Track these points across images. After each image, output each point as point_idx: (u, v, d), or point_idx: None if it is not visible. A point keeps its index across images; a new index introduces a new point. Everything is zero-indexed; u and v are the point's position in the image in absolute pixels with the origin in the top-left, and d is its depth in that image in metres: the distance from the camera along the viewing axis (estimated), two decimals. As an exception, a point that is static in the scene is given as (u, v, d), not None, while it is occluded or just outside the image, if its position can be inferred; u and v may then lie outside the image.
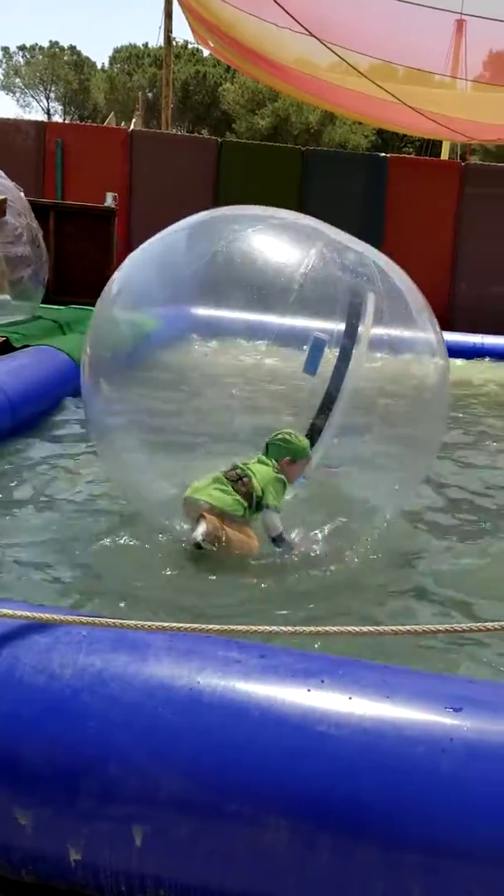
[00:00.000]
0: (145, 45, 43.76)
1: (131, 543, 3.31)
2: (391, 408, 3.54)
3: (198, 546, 3.07)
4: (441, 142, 18.42)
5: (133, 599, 2.85)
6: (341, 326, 3.47)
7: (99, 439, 3.61)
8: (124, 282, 3.50)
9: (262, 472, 3.31)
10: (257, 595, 2.98)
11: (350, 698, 1.64)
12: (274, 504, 3.28)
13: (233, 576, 3.09)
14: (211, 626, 1.48)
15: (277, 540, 3.27)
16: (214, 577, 3.06)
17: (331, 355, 3.48)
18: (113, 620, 1.61)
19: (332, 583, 3.13)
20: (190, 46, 37.56)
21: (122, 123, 22.72)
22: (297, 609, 2.86)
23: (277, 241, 3.36)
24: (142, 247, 3.54)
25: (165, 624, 1.52)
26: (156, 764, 1.55)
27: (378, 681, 1.71)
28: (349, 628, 1.51)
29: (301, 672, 1.70)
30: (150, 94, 36.27)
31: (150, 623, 1.56)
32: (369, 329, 3.33)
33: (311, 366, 3.37)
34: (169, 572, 3.09)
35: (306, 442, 3.48)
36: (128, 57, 44.46)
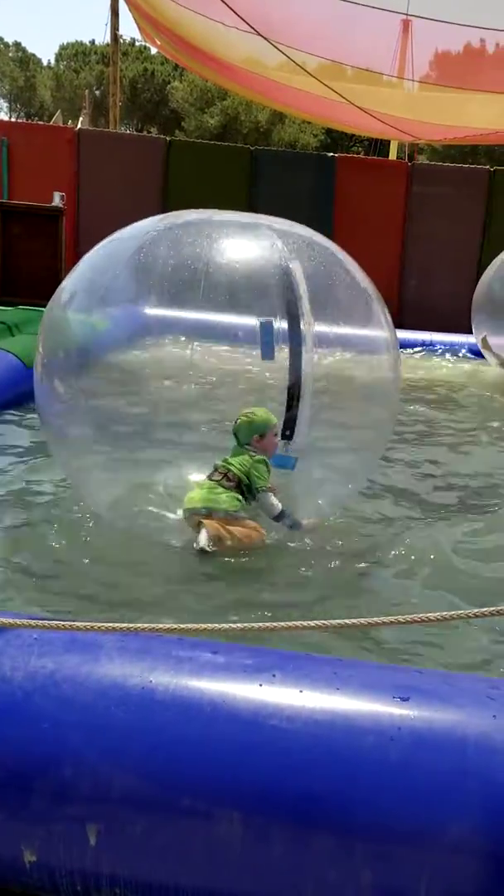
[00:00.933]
0: (92, 43, 43.36)
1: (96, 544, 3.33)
2: (342, 397, 3.65)
3: (203, 551, 3.17)
4: (389, 141, 18.63)
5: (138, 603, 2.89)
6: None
7: (52, 440, 3.61)
8: (77, 283, 3.51)
9: (239, 461, 3.42)
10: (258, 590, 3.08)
11: (301, 692, 1.67)
12: (262, 485, 3.38)
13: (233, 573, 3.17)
14: (161, 626, 1.50)
15: (280, 518, 3.37)
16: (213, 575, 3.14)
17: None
18: (64, 623, 1.61)
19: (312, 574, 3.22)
20: (137, 44, 37.37)
21: (70, 122, 22.47)
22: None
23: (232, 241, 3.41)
24: (95, 248, 3.53)
25: (117, 625, 1.53)
26: (109, 763, 1.56)
27: (328, 674, 1.75)
28: (297, 623, 1.54)
29: (253, 668, 1.73)
30: (97, 92, 35.93)
31: (101, 624, 1.57)
32: (306, 299, 3.36)
33: (267, 351, 3.40)
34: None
35: (266, 413, 3.54)
36: (74, 54, 43.98)
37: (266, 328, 3.36)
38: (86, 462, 3.54)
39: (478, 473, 4.84)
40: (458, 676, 1.89)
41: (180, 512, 3.43)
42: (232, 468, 3.40)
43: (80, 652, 1.69)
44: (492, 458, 5.30)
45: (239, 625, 1.50)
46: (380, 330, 3.52)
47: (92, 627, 1.56)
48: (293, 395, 3.49)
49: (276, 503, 3.38)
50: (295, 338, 3.44)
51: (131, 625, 1.52)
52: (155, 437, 3.68)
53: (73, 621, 1.63)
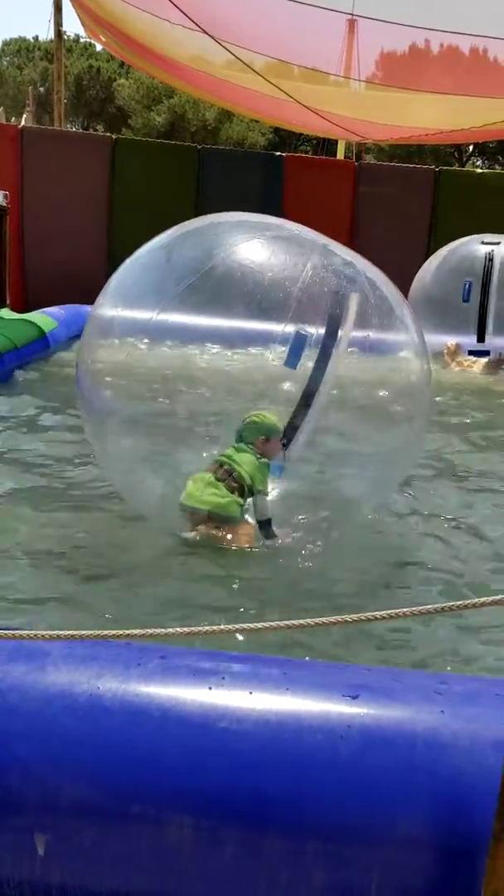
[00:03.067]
0: (36, 39, 42.70)
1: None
2: (373, 406, 3.69)
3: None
4: (337, 141, 18.74)
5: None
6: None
7: (96, 441, 3.68)
8: (118, 284, 3.55)
9: (246, 460, 3.44)
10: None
11: (251, 693, 1.67)
12: (262, 489, 3.43)
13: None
14: (107, 632, 1.48)
15: (265, 524, 3.42)
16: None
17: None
18: (9, 632, 1.58)
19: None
20: (82, 40, 36.89)
21: (13, 119, 22.13)
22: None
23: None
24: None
25: (62, 633, 1.51)
26: (56, 771, 1.54)
27: (278, 675, 1.75)
28: (248, 625, 1.54)
29: (202, 671, 1.72)
30: (41, 89, 35.43)
31: (46, 633, 1.55)
32: (350, 329, 3.45)
33: (293, 360, 3.45)
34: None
35: (276, 418, 3.58)
36: (17, 50, 43.25)
37: (299, 340, 3.43)
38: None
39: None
40: (406, 673, 1.92)
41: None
42: (239, 469, 3.40)
43: (25, 661, 1.66)
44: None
45: (185, 629, 1.49)
46: (406, 335, 3.55)
47: (37, 636, 1.53)
48: (302, 406, 3.56)
49: (268, 509, 3.43)
50: (324, 354, 3.50)
51: (76, 632, 1.50)
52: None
53: (18, 630, 1.60)
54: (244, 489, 3.40)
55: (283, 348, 3.43)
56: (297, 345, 3.43)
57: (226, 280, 3.34)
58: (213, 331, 3.80)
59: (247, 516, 3.47)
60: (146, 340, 3.67)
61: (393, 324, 3.54)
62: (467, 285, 8.95)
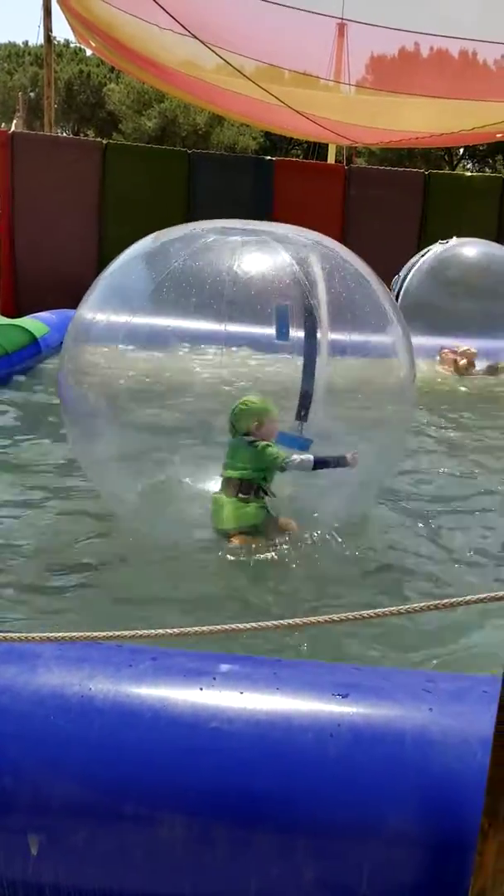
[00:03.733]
0: (25, 44, 42.67)
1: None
2: (359, 404, 3.75)
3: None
4: (328, 144, 18.80)
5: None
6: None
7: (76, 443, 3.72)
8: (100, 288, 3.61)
9: (244, 458, 3.45)
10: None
11: (241, 693, 1.69)
12: (282, 460, 3.39)
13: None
14: (97, 634, 1.50)
15: (321, 464, 3.39)
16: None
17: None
18: (0, 634, 1.60)
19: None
20: (72, 45, 36.92)
21: (3, 124, 22.15)
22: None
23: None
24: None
25: (52, 634, 1.52)
26: (49, 772, 1.55)
27: (268, 674, 1.77)
28: (237, 626, 1.56)
29: (193, 672, 1.74)
30: (32, 94, 35.44)
31: (37, 635, 1.56)
32: (323, 289, 3.47)
33: (282, 333, 3.47)
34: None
35: (263, 399, 3.58)
36: (7, 55, 43.21)
37: (282, 312, 3.44)
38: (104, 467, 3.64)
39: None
40: (395, 672, 1.94)
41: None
42: (243, 474, 3.44)
43: (16, 662, 1.68)
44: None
45: (175, 630, 1.51)
46: (393, 333, 3.60)
47: (28, 638, 1.55)
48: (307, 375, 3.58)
49: (305, 459, 3.40)
50: (310, 322, 3.53)
51: (67, 633, 1.52)
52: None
53: (8, 632, 1.61)
54: (258, 489, 3.45)
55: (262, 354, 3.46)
56: (281, 317, 3.45)
57: (194, 280, 3.38)
58: (190, 333, 3.81)
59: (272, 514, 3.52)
60: (126, 345, 3.68)
61: (381, 321, 3.58)
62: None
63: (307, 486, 3.73)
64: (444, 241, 9.37)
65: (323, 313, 3.47)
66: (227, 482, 3.50)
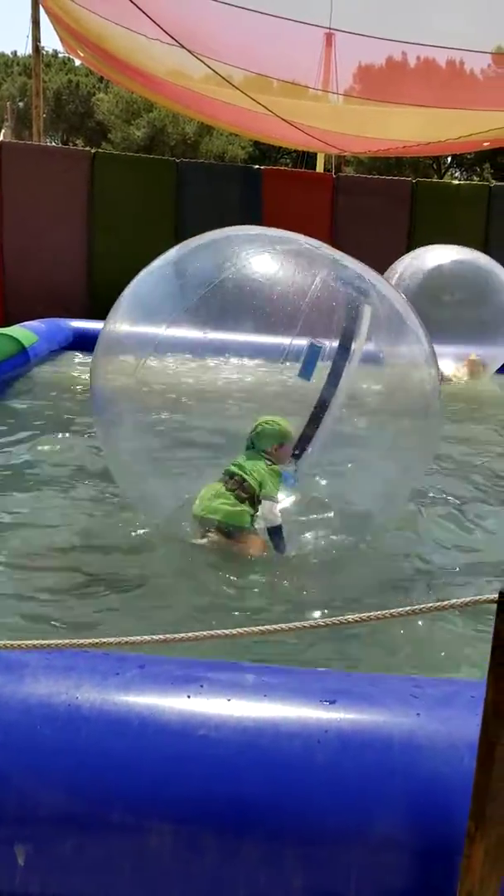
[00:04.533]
0: (14, 54, 42.76)
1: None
2: (385, 416, 3.71)
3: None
4: (316, 153, 18.90)
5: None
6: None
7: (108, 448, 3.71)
8: (132, 297, 3.56)
9: (256, 468, 3.47)
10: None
11: (229, 700, 1.69)
12: (271, 493, 3.43)
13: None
14: (83, 641, 1.50)
15: (275, 531, 3.41)
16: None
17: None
18: (-13, 642, 1.59)
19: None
20: (61, 55, 37.02)
21: (-7, 134, 22.09)
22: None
23: None
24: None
25: (37, 642, 1.52)
26: (36, 781, 1.55)
27: (256, 681, 1.77)
28: (225, 631, 1.56)
29: (181, 679, 1.74)
30: (20, 104, 35.49)
31: (23, 643, 1.56)
32: (363, 339, 3.47)
33: (307, 371, 3.46)
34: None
35: (288, 424, 3.62)
36: (-4, 65, 43.30)
37: (314, 351, 3.44)
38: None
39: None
40: (383, 677, 1.94)
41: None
42: (248, 478, 3.44)
43: (2, 672, 1.67)
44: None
45: (159, 636, 1.51)
46: (418, 345, 3.57)
47: (14, 646, 1.54)
48: (314, 417, 3.56)
49: (278, 514, 3.43)
50: (336, 367, 3.51)
51: (53, 641, 1.52)
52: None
53: (-4, 640, 1.61)
54: (255, 498, 3.43)
55: (292, 363, 3.45)
56: (311, 356, 3.45)
57: (235, 294, 3.36)
58: (223, 344, 3.79)
59: (257, 526, 3.48)
60: (158, 355, 3.68)
61: (405, 335, 3.57)
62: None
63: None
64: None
65: (363, 328, 3.45)
66: (230, 477, 3.48)
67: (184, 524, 3.55)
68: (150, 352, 3.55)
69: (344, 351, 3.49)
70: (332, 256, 3.56)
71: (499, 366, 8.94)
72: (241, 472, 3.46)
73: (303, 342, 3.47)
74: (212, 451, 3.85)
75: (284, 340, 3.58)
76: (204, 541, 3.39)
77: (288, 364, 3.49)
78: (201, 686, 1.71)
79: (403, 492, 3.80)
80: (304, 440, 3.61)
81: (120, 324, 3.53)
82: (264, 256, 3.49)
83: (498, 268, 8.76)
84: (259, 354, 3.78)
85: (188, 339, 3.52)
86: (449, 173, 36.27)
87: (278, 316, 3.37)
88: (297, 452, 3.61)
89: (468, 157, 34.01)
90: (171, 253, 3.60)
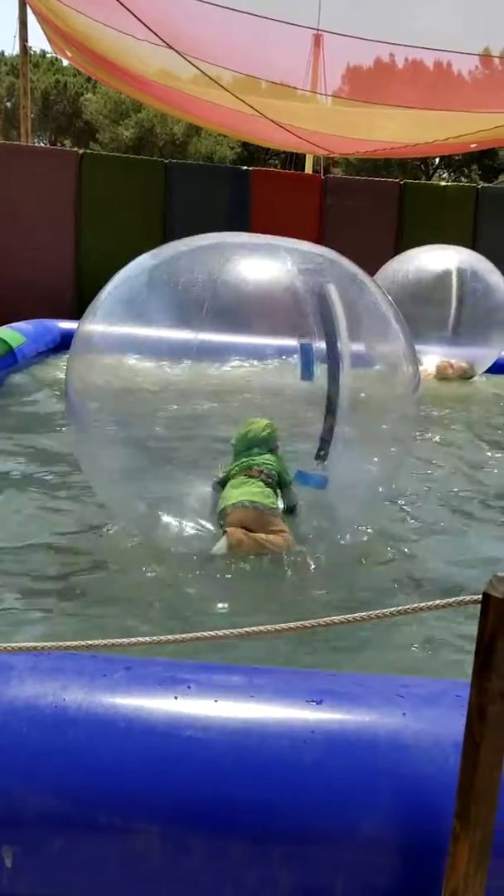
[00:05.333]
0: (2, 54, 42.64)
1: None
2: (368, 412, 3.74)
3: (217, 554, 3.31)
4: (305, 154, 18.92)
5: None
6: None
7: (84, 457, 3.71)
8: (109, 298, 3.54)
9: (271, 458, 3.63)
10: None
11: (216, 701, 1.69)
12: (290, 480, 3.66)
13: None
14: (69, 643, 1.50)
15: (294, 510, 3.63)
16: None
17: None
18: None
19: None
20: (49, 55, 36.93)
21: (-19, 134, 22.07)
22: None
23: None
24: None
25: (23, 644, 1.52)
26: (22, 783, 1.55)
27: (243, 682, 1.77)
28: (210, 633, 1.57)
29: (168, 680, 1.74)
30: (8, 104, 35.41)
31: (9, 645, 1.56)
32: (343, 324, 3.48)
33: (307, 372, 3.52)
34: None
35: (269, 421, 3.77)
36: (-17, 65, 43.14)
37: (307, 350, 3.48)
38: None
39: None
40: (369, 677, 1.95)
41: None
42: (268, 466, 3.55)
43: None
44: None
45: (148, 638, 1.51)
46: (398, 344, 3.58)
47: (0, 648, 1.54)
48: (330, 414, 3.58)
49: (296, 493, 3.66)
50: (333, 359, 3.52)
51: (39, 643, 1.52)
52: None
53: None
54: (276, 485, 3.55)
55: (275, 364, 3.47)
56: (306, 356, 3.49)
57: (222, 294, 3.35)
58: (203, 345, 3.80)
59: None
60: (135, 356, 3.67)
61: (385, 330, 3.58)
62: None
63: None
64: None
65: (342, 327, 3.46)
66: (248, 469, 3.56)
67: (161, 528, 3.53)
68: (125, 352, 3.57)
69: (332, 344, 3.51)
70: (285, 246, 3.57)
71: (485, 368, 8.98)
72: (257, 463, 3.56)
73: (283, 341, 3.48)
74: (193, 453, 3.84)
75: (263, 340, 3.61)
76: (238, 538, 3.29)
77: (272, 365, 3.50)
78: (188, 687, 1.72)
79: (382, 491, 3.83)
80: (325, 441, 3.63)
81: (96, 324, 3.52)
82: (236, 259, 3.48)
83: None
84: (240, 355, 3.79)
85: (165, 339, 3.53)
86: (437, 175, 36.40)
87: (255, 316, 3.43)
88: (321, 454, 3.64)
89: (456, 158, 34.15)
90: (145, 257, 3.60)
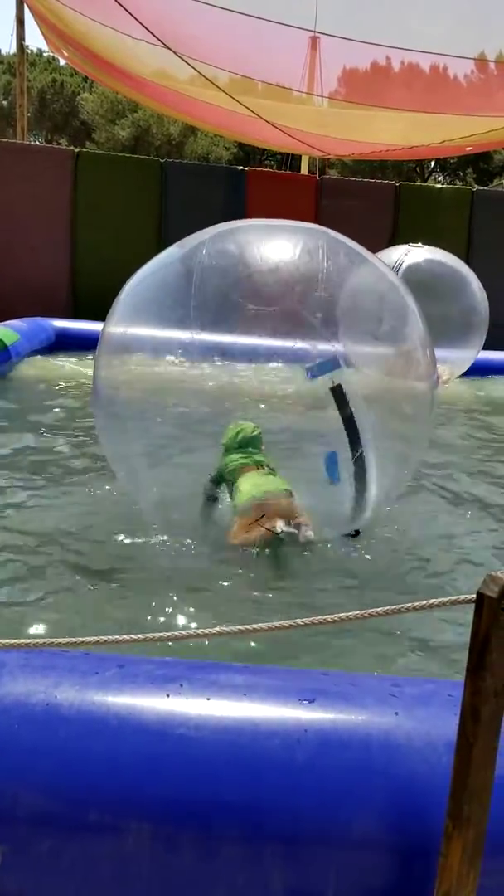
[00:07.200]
0: (-2, 52, 42.57)
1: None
2: (385, 408, 3.77)
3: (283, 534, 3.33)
4: (301, 155, 18.92)
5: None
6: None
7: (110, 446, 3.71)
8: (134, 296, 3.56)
9: (268, 459, 3.73)
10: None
11: (208, 699, 1.69)
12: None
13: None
14: (60, 640, 1.49)
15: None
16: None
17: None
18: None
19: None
20: (45, 54, 36.87)
21: (-24, 132, 22.02)
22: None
23: None
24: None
25: (16, 641, 1.51)
26: (13, 782, 1.54)
27: (236, 680, 1.77)
28: (203, 630, 1.56)
29: (160, 678, 1.74)
30: (4, 103, 35.33)
31: (1, 641, 1.55)
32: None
33: (335, 478, 3.52)
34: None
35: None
36: (-20, 63, 43.02)
37: (331, 458, 3.52)
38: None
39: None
40: (362, 676, 1.94)
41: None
42: (268, 462, 3.66)
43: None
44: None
45: (139, 635, 1.50)
46: (420, 342, 3.59)
47: (-7, 645, 1.54)
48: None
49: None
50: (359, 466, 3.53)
51: (32, 640, 1.51)
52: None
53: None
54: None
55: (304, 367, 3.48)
56: (331, 463, 3.52)
57: (244, 292, 3.37)
58: (229, 345, 3.77)
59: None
60: (162, 354, 3.66)
61: (407, 331, 3.62)
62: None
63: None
64: (416, 245, 9.34)
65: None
66: (259, 465, 3.65)
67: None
68: (153, 351, 3.56)
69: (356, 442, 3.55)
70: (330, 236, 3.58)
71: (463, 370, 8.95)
72: (263, 462, 3.66)
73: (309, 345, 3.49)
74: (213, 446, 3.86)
75: (290, 343, 3.58)
76: (280, 527, 3.32)
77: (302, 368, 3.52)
78: (181, 685, 1.71)
79: (395, 488, 3.83)
80: (354, 442, 3.61)
81: (124, 322, 3.53)
82: (271, 247, 3.47)
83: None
84: (266, 356, 3.78)
85: (192, 339, 3.50)
86: (432, 177, 36.44)
87: (281, 315, 3.39)
88: (361, 451, 3.62)
89: (451, 161, 34.18)
90: (174, 249, 3.58)
